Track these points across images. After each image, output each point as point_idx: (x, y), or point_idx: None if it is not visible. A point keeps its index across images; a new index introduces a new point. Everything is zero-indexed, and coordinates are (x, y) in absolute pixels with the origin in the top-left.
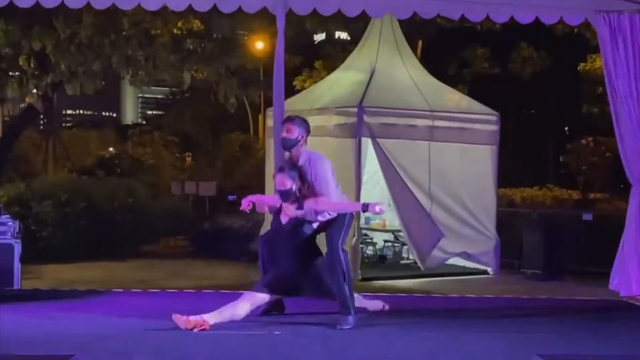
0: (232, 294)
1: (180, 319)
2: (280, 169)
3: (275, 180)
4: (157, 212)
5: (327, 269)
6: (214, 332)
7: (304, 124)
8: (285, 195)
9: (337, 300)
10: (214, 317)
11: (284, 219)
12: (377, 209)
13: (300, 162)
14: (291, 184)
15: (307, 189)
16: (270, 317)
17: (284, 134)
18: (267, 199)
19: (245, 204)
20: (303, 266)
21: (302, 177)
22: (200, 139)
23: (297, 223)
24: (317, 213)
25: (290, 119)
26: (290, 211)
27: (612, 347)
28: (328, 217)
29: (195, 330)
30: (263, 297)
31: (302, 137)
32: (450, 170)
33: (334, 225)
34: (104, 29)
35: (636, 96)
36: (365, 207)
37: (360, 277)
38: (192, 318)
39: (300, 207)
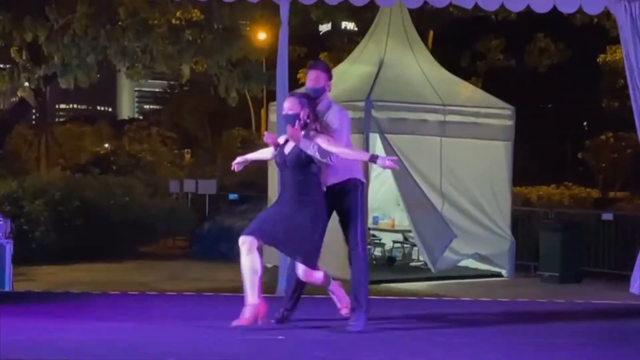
0: (233, 297)
1: (242, 320)
2: (291, 94)
3: (284, 105)
4: (154, 212)
5: (351, 261)
6: (215, 337)
7: (329, 70)
8: (292, 120)
9: (351, 295)
10: (255, 295)
11: (287, 149)
12: (387, 162)
13: (320, 107)
14: (300, 109)
15: (317, 130)
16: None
17: (312, 84)
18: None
19: (240, 164)
20: (291, 215)
21: (317, 117)
22: (199, 134)
23: (301, 155)
24: (323, 152)
25: (316, 66)
26: (295, 133)
27: (633, 354)
28: (331, 163)
29: (260, 321)
30: (253, 240)
31: (328, 85)
32: (462, 167)
33: (350, 214)
34: (99, 19)
35: None
36: (375, 158)
37: None
38: (247, 315)
39: (307, 137)
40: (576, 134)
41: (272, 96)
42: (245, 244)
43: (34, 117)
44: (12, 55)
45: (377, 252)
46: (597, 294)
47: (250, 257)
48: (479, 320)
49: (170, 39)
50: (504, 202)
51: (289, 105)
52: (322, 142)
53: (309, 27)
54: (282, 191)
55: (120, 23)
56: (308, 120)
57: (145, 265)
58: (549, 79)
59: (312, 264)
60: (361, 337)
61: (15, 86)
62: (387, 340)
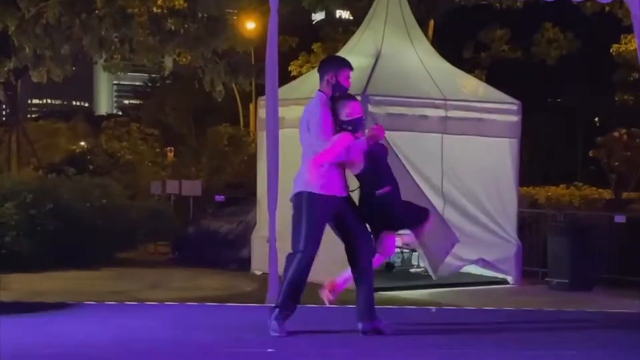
0: (219, 307)
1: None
2: (354, 98)
3: (347, 109)
4: (134, 215)
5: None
6: (199, 350)
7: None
8: (360, 123)
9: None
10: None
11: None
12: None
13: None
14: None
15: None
16: (265, 333)
17: (348, 84)
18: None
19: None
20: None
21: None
22: (183, 131)
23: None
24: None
25: (351, 67)
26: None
27: None
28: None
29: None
30: None
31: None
32: (465, 166)
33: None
34: (74, 7)
35: None
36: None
37: None
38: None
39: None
40: (587, 130)
41: (261, 90)
42: None
43: (3, 113)
44: None
45: None
46: (609, 302)
47: None
48: (483, 330)
49: (151, 29)
50: (509, 204)
51: (359, 109)
52: None
53: (301, 15)
54: (385, 183)
55: (96, 12)
56: None
57: (124, 272)
58: (558, 72)
59: None
60: (357, 349)
61: None
62: (385, 353)
